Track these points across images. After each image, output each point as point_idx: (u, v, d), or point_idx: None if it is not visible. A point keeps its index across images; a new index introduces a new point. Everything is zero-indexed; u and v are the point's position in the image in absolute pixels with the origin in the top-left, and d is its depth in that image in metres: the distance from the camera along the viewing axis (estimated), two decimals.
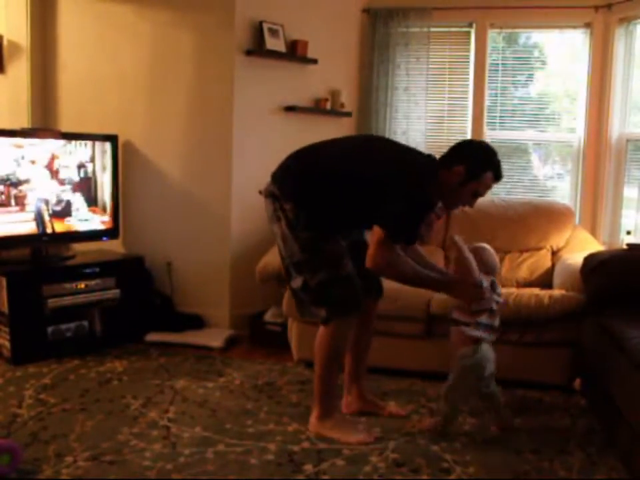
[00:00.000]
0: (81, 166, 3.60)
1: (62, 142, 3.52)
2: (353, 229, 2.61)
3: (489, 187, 2.43)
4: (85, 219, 3.65)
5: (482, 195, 2.45)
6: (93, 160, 3.65)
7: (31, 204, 3.41)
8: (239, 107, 3.80)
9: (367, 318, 2.66)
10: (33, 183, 3.41)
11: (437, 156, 2.49)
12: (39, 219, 3.45)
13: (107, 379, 3.08)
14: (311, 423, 2.54)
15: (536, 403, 2.90)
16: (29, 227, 3.41)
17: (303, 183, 2.43)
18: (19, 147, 3.35)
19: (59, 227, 3.54)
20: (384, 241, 2.32)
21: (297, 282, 2.46)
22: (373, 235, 2.37)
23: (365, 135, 2.62)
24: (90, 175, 3.66)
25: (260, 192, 2.55)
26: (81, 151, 3.59)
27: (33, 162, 3.40)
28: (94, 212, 3.70)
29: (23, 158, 3.36)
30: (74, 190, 3.57)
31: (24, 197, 3.37)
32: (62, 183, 3.53)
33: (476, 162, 2.38)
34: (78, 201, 3.61)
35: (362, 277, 2.48)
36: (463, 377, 2.42)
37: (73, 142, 3.56)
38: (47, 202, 3.48)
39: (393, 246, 2.34)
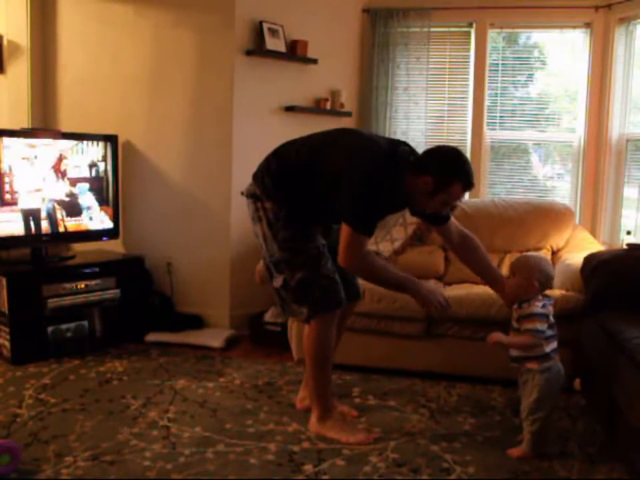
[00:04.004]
0: (92, 165, 3.61)
1: (74, 141, 3.53)
2: (330, 224, 2.60)
3: (458, 198, 2.36)
4: (96, 219, 3.68)
5: (452, 204, 2.40)
6: (105, 159, 3.66)
7: (44, 203, 3.46)
8: (239, 106, 3.80)
9: (341, 320, 2.66)
10: (44, 182, 3.43)
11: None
12: (50, 218, 3.48)
13: (106, 378, 3.08)
14: (311, 424, 2.54)
15: None
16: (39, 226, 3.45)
17: (280, 180, 2.44)
18: (32, 146, 3.36)
19: (70, 226, 3.58)
20: (349, 235, 2.30)
21: (277, 281, 2.49)
22: (341, 233, 2.35)
23: (337, 129, 2.61)
24: (102, 174, 3.67)
25: (242, 193, 2.58)
26: (92, 150, 3.60)
27: (45, 161, 3.43)
28: (105, 211, 3.71)
29: (36, 157, 3.38)
30: (87, 189, 3.61)
31: (34, 194, 3.40)
32: (73, 182, 3.54)
33: (443, 173, 2.29)
34: (90, 200, 3.63)
35: (341, 278, 2.49)
36: (548, 390, 2.32)
37: (85, 141, 3.57)
38: (58, 201, 3.50)
39: (360, 241, 2.31)
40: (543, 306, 2.32)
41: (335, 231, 2.62)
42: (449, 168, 2.31)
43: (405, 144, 2.49)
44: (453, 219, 2.62)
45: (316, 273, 2.42)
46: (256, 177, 2.52)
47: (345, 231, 2.31)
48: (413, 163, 2.38)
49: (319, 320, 2.43)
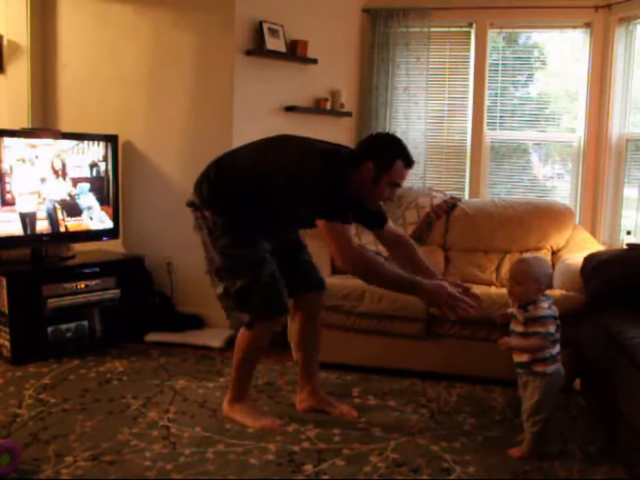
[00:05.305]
0: (93, 165, 3.61)
1: (74, 141, 3.53)
2: (272, 231, 2.58)
3: (403, 176, 2.38)
4: (96, 219, 3.68)
5: (400, 184, 2.41)
6: (105, 159, 3.66)
7: (44, 203, 3.45)
8: (239, 107, 3.80)
9: (311, 314, 2.68)
10: (45, 182, 3.43)
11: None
12: (51, 218, 3.48)
13: (106, 379, 3.08)
14: (223, 406, 2.65)
15: None
16: (40, 226, 3.45)
17: (219, 189, 2.45)
18: (32, 146, 3.36)
19: (70, 226, 3.58)
20: (329, 231, 2.27)
21: (218, 289, 2.52)
22: (322, 235, 2.31)
23: (276, 136, 2.63)
24: (102, 174, 3.67)
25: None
26: (93, 150, 3.60)
27: (45, 161, 3.42)
28: (106, 211, 3.71)
29: (36, 157, 3.38)
30: (87, 189, 3.62)
31: (36, 196, 3.39)
32: (74, 182, 3.55)
33: (381, 153, 2.35)
34: (90, 200, 3.63)
35: (299, 273, 2.50)
36: (549, 391, 2.32)
37: (85, 141, 3.57)
38: (58, 201, 3.50)
39: (341, 231, 2.27)
40: (549, 307, 2.33)
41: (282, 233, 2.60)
42: (386, 148, 2.37)
43: (347, 148, 2.56)
44: (390, 223, 2.64)
45: (256, 280, 2.42)
46: (195, 185, 2.52)
47: (324, 229, 2.28)
48: (352, 156, 2.42)
49: (259, 326, 2.47)
